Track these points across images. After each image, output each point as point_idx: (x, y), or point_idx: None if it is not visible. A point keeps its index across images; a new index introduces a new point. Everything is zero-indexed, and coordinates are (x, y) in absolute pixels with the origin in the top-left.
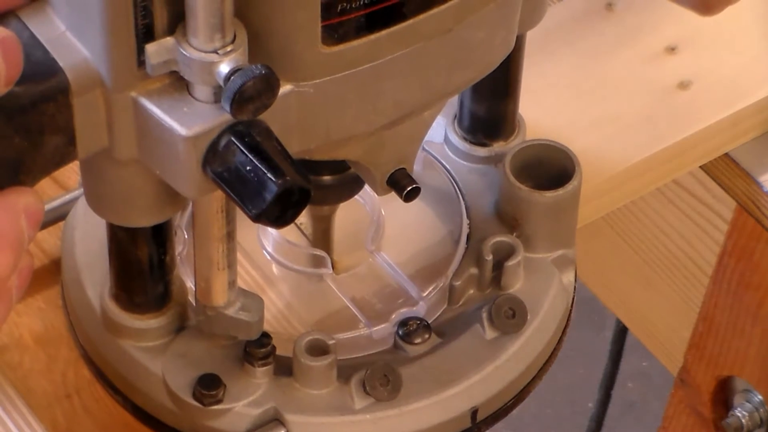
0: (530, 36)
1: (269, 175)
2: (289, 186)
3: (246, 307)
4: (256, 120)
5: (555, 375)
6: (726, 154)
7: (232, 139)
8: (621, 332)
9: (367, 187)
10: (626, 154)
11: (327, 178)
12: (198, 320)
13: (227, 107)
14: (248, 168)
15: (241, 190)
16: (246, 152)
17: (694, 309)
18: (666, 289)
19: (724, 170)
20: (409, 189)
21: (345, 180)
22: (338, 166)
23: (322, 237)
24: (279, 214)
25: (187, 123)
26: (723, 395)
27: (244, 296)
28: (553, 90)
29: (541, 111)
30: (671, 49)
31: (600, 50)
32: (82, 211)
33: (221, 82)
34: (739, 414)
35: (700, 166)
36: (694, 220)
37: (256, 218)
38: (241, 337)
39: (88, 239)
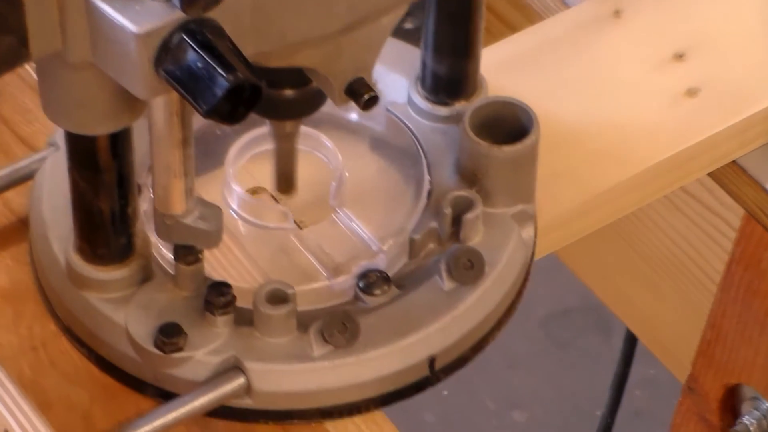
0: (538, 42)
1: (220, 71)
2: (240, 82)
3: (204, 216)
4: (208, 18)
5: (562, 382)
6: (734, 162)
7: (184, 36)
8: (631, 339)
9: (329, 144)
10: (634, 161)
11: (288, 92)
12: (157, 231)
13: (177, 2)
14: (199, 65)
15: (192, 88)
16: (197, 49)
17: (702, 316)
18: (674, 296)
19: (732, 178)
20: (367, 97)
21: (306, 94)
22: (299, 80)
23: (284, 165)
24: (230, 111)
25: (139, 21)
26: (731, 403)
27: (202, 205)
28: (560, 96)
29: (549, 117)
30: (679, 56)
31: (608, 57)
32: (49, 169)
33: None
34: (746, 422)
35: (708, 174)
36: (702, 227)
37: (208, 114)
38: (201, 246)
39: (54, 196)
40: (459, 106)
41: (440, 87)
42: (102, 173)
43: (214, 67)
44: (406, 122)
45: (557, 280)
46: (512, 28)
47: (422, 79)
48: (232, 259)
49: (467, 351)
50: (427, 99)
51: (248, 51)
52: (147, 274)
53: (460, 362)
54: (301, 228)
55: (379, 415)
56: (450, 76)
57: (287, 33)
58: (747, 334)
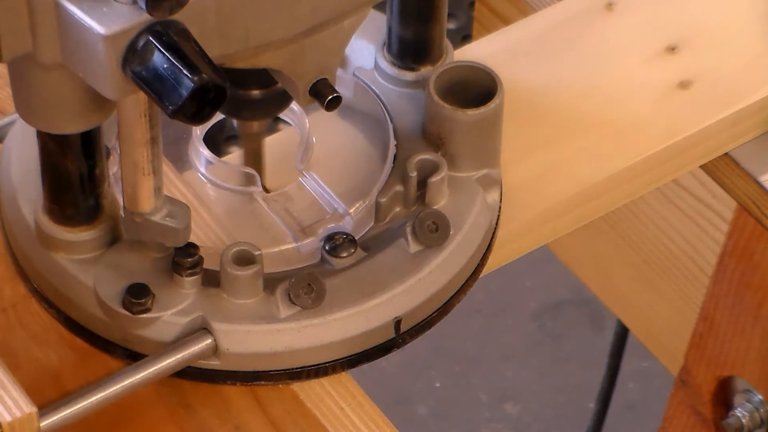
0: (531, 34)
1: (185, 72)
2: (205, 82)
3: (173, 214)
4: (174, 21)
5: (555, 375)
6: (726, 154)
7: (150, 38)
8: (622, 332)
9: (297, 108)
10: (626, 153)
11: (255, 92)
12: (126, 228)
13: (142, 5)
14: (165, 66)
15: (158, 88)
16: (163, 51)
17: (694, 309)
18: (666, 289)
19: (725, 170)
20: (330, 98)
21: (272, 94)
22: (265, 81)
23: (253, 158)
24: (195, 111)
25: (106, 23)
26: (723, 395)
27: (170, 203)
28: (552, 90)
29: (541, 110)
30: (671, 49)
31: (600, 50)
32: (19, 133)
33: None
34: (739, 414)
35: (701, 166)
36: (695, 220)
37: (173, 114)
38: (169, 243)
39: (24, 159)
40: (425, 70)
41: (406, 52)
42: (69, 134)
43: (180, 68)
44: (373, 87)
45: (550, 272)
46: (505, 21)
47: (388, 45)
48: (199, 222)
49: (433, 313)
50: (394, 64)
51: (213, 52)
52: (115, 235)
53: (425, 325)
54: (268, 191)
55: (345, 377)
56: (415, 41)
57: (251, 35)
58: (739, 326)
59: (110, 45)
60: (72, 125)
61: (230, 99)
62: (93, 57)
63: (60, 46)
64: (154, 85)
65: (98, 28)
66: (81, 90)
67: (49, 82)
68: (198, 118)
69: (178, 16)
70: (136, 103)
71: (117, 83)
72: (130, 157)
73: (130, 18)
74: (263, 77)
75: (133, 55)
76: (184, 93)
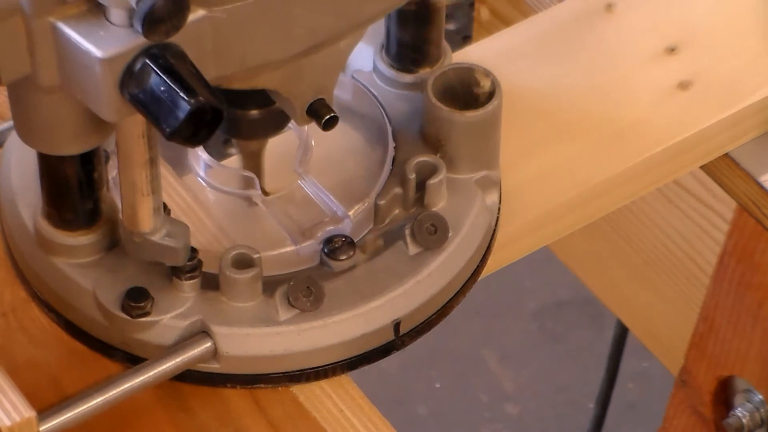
0: (531, 36)
1: (182, 94)
2: (202, 105)
3: (172, 234)
4: (171, 44)
5: (555, 375)
6: (726, 154)
7: (147, 61)
8: (622, 332)
9: None
10: (626, 154)
11: (253, 112)
12: (126, 246)
13: (139, 28)
14: (162, 89)
15: (156, 111)
16: (160, 73)
17: (694, 309)
18: (666, 289)
19: (725, 170)
20: (327, 118)
21: (271, 114)
22: (264, 100)
23: (252, 161)
24: (192, 133)
25: (103, 46)
26: (724, 395)
27: (170, 223)
28: (552, 91)
29: (541, 111)
30: (671, 50)
31: (600, 51)
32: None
33: (133, 4)
34: (739, 414)
35: (701, 167)
36: (695, 220)
37: (170, 136)
38: (168, 262)
39: (24, 163)
40: (423, 73)
41: (405, 54)
42: None
43: (176, 91)
44: (372, 90)
45: (550, 273)
46: (506, 22)
47: (387, 47)
48: (199, 225)
49: (432, 315)
50: (392, 66)
51: (210, 74)
52: (114, 239)
53: (425, 327)
54: (267, 194)
55: (345, 380)
56: (414, 44)
57: (248, 57)
58: (740, 326)
59: (107, 68)
60: (71, 146)
61: (228, 118)
62: (91, 80)
63: (58, 69)
64: (151, 108)
65: (95, 51)
66: (79, 112)
67: (48, 104)
68: (195, 140)
69: (175, 39)
70: (134, 125)
71: (115, 105)
72: (128, 177)
73: (127, 41)
74: (261, 97)
75: (130, 78)
76: (181, 115)
